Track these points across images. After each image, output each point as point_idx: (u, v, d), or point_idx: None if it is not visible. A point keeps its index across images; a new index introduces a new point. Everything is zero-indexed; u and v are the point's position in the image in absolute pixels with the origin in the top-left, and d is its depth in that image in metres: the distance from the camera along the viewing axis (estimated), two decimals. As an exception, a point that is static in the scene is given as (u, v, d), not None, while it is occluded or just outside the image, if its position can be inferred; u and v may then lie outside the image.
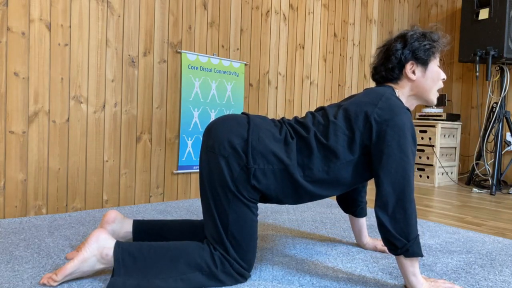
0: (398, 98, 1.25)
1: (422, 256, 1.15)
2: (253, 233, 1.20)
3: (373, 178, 1.33)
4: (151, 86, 2.32)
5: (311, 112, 1.33)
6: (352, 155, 1.20)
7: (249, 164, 1.16)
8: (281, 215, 2.13)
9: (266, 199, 1.25)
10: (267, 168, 1.18)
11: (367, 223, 2.03)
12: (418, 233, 1.86)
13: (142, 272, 1.11)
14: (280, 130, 1.26)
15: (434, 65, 1.34)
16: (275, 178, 1.19)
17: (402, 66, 1.33)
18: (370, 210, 2.34)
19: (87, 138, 2.09)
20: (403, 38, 1.34)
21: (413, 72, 1.32)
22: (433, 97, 1.36)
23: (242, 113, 1.32)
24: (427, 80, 1.33)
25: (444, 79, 1.37)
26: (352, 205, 1.56)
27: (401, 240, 1.13)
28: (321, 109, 1.33)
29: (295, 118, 1.31)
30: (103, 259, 1.13)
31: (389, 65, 1.34)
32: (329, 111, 1.28)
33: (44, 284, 1.14)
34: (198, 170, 2.54)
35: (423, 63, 1.32)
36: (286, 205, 2.41)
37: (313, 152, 1.20)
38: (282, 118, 1.33)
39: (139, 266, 1.11)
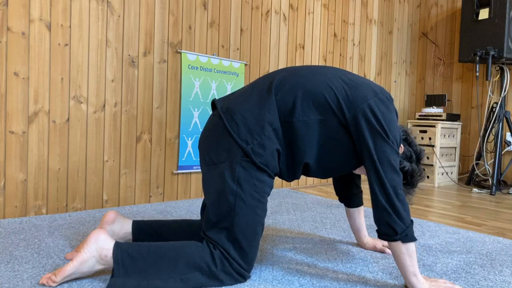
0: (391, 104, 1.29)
1: (416, 240, 1.19)
2: (255, 234, 1.19)
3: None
4: (151, 86, 2.32)
5: (313, 66, 1.33)
6: (333, 118, 1.21)
7: (244, 149, 1.17)
8: (281, 215, 2.13)
9: (277, 173, 1.25)
10: (260, 139, 1.19)
11: (367, 223, 2.03)
12: (418, 233, 1.87)
13: (142, 273, 1.11)
14: (252, 89, 1.27)
15: None
16: (271, 141, 1.19)
17: (402, 143, 1.35)
18: (371, 210, 2.34)
19: (87, 138, 2.09)
20: (422, 167, 1.39)
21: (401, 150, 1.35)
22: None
23: (212, 101, 1.33)
24: None
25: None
26: (344, 193, 1.57)
27: (400, 225, 1.15)
28: (333, 67, 1.33)
29: (291, 67, 1.32)
30: (102, 260, 1.13)
31: (410, 136, 1.39)
32: (335, 70, 1.30)
33: (43, 285, 1.14)
34: (198, 170, 2.54)
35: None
36: (286, 204, 2.41)
37: (297, 101, 1.21)
38: (269, 74, 1.33)
39: (138, 267, 1.11)
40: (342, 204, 2.51)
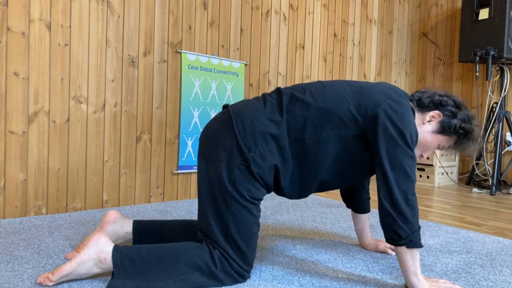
0: (408, 101, 1.26)
1: (422, 247, 1.17)
2: (252, 235, 1.20)
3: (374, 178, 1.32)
4: (151, 86, 2.32)
5: (320, 81, 1.32)
6: (347, 131, 1.20)
7: (245, 155, 1.17)
8: (281, 215, 2.13)
9: (271, 187, 1.24)
10: (262, 150, 1.18)
11: (370, 223, 2.02)
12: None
13: (142, 275, 1.11)
14: (264, 102, 1.26)
15: (441, 140, 1.32)
16: (273, 156, 1.19)
17: (435, 108, 1.31)
18: (373, 210, 2.33)
19: (87, 138, 2.09)
20: (465, 106, 1.34)
21: (430, 120, 1.31)
22: None
23: (223, 106, 1.33)
24: (423, 139, 1.32)
25: (422, 156, 1.37)
26: (354, 200, 1.56)
27: (405, 230, 1.14)
28: (337, 80, 1.33)
29: (297, 84, 1.32)
30: (101, 263, 1.13)
31: (436, 97, 1.33)
32: (340, 82, 1.29)
33: (40, 284, 1.14)
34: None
35: (443, 128, 1.30)
36: (286, 204, 2.41)
37: (308, 118, 1.20)
38: (278, 88, 1.32)
39: (138, 269, 1.11)
40: (343, 204, 2.52)
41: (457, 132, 1.31)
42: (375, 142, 1.19)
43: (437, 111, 1.30)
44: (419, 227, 1.16)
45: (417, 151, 1.34)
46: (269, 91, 1.37)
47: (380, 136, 1.17)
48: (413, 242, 1.14)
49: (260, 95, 2.84)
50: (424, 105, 1.32)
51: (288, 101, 1.24)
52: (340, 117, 1.20)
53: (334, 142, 1.21)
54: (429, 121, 1.31)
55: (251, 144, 1.18)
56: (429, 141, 1.32)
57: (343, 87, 1.27)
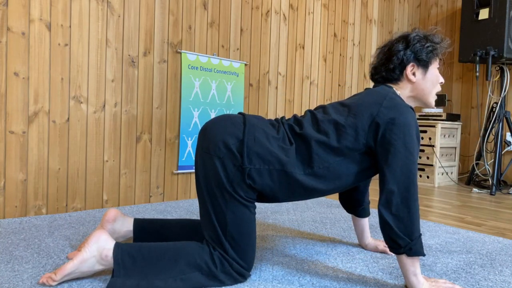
0: (400, 98, 1.25)
1: (424, 255, 1.15)
2: (251, 232, 1.20)
3: (375, 177, 1.33)
4: (151, 86, 2.32)
5: (310, 111, 1.32)
6: (353, 152, 1.21)
7: (244, 164, 1.16)
8: (281, 215, 2.13)
9: (264, 198, 1.24)
10: (263, 168, 1.17)
11: (370, 223, 2.02)
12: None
13: (142, 273, 1.11)
14: (277, 130, 1.26)
15: (434, 68, 1.35)
16: (271, 178, 1.18)
17: (403, 67, 1.33)
18: (373, 210, 2.34)
19: (87, 138, 2.09)
20: (405, 39, 1.35)
21: (414, 74, 1.33)
22: (432, 99, 1.37)
23: (239, 113, 1.32)
24: (427, 83, 1.34)
25: (442, 82, 1.38)
26: (354, 205, 1.56)
27: (404, 239, 1.13)
28: (321, 107, 1.33)
29: (294, 117, 1.31)
30: (103, 260, 1.13)
31: (390, 65, 1.34)
32: (330, 109, 1.28)
33: (43, 284, 1.14)
34: (198, 170, 2.54)
35: (424, 65, 1.33)
36: (286, 205, 2.41)
37: (312, 151, 1.20)
38: (281, 118, 1.33)
39: (138, 267, 1.11)
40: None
41: (431, 55, 1.33)
42: (376, 151, 1.19)
43: (407, 66, 1.32)
44: (420, 235, 1.15)
45: (434, 89, 1.36)
46: (280, 117, 1.37)
47: (379, 145, 1.18)
48: (413, 250, 1.13)
49: (260, 96, 2.84)
50: (394, 76, 1.35)
51: (290, 132, 1.25)
52: (344, 145, 1.20)
53: (345, 166, 1.21)
54: (413, 74, 1.33)
55: (254, 156, 1.17)
56: (432, 78, 1.34)
57: (335, 113, 1.26)
